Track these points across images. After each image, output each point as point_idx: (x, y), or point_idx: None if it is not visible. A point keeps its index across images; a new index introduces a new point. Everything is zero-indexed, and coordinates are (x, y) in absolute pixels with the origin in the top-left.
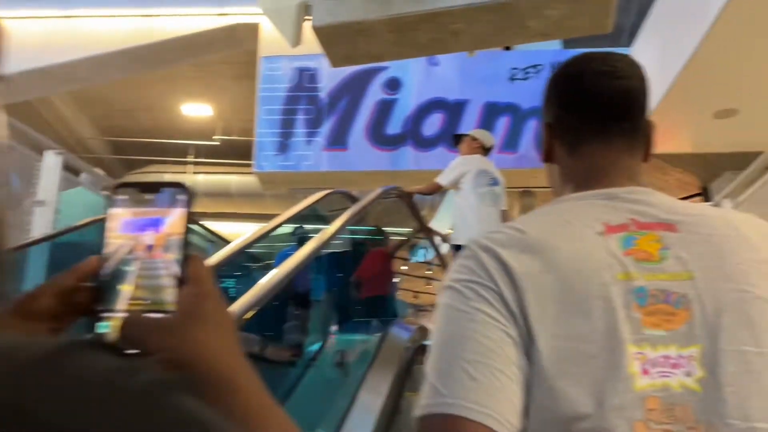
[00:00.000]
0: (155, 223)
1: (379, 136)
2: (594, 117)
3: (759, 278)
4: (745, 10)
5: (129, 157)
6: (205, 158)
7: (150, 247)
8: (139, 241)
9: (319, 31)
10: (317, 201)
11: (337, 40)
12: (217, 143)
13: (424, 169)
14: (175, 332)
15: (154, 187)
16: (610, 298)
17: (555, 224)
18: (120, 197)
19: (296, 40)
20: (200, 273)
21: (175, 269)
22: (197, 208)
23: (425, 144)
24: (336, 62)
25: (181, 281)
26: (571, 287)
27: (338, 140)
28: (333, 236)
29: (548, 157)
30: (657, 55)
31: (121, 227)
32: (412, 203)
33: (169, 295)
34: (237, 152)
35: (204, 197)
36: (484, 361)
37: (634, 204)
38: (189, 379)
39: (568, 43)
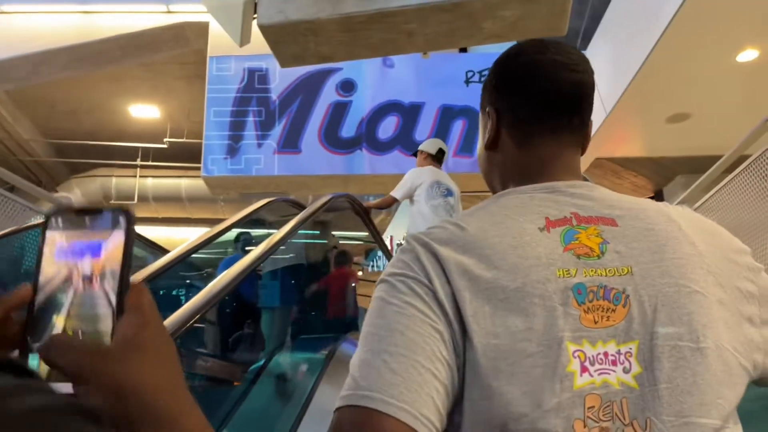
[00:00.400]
0: (93, 249)
1: (333, 139)
2: (549, 110)
3: (696, 273)
4: (697, 17)
5: (73, 160)
6: (154, 162)
7: (87, 275)
8: (75, 267)
9: (266, 29)
10: (260, 209)
11: (286, 40)
12: (166, 146)
13: (379, 173)
14: (111, 360)
15: (93, 211)
16: (548, 295)
17: (495, 220)
18: (56, 220)
19: (244, 39)
20: (140, 301)
21: (113, 298)
22: (148, 213)
23: (380, 147)
24: (285, 62)
25: (120, 310)
26: (509, 285)
27: (290, 143)
28: (278, 244)
29: (493, 145)
30: (611, 59)
31: (57, 253)
32: (366, 212)
33: (106, 325)
34: (187, 155)
35: (153, 202)
36: (408, 354)
37: (575, 198)
38: (91, 406)
39: None
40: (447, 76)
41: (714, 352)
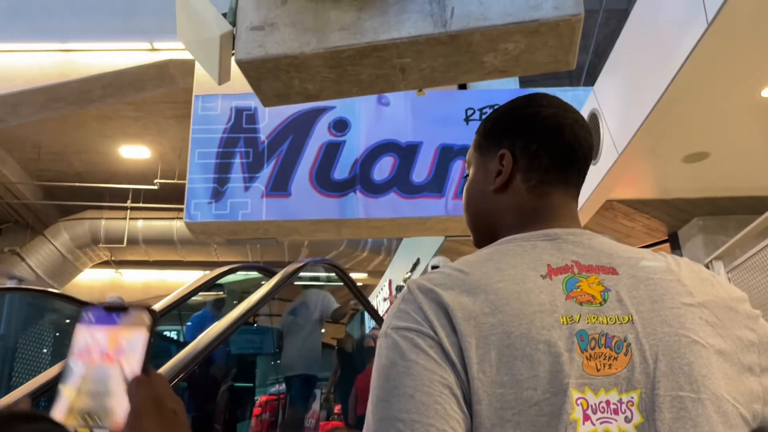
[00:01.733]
0: (119, 342)
1: (325, 182)
2: (567, 163)
3: (695, 323)
4: (718, 49)
5: (62, 202)
6: (145, 203)
7: (108, 362)
8: (98, 357)
9: (245, 65)
10: (223, 275)
11: (267, 76)
12: (156, 187)
13: (374, 217)
14: None
15: (121, 308)
16: (553, 342)
17: (498, 266)
18: (88, 315)
19: (223, 76)
20: (150, 393)
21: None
22: (138, 257)
23: (375, 190)
24: (267, 101)
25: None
26: (514, 331)
27: (279, 186)
28: (249, 312)
29: (504, 188)
30: (622, 96)
31: (85, 343)
32: (349, 278)
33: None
34: (179, 196)
35: (144, 244)
36: (421, 419)
37: (576, 246)
38: None
39: (525, 83)
40: (445, 114)
41: (714, 403)
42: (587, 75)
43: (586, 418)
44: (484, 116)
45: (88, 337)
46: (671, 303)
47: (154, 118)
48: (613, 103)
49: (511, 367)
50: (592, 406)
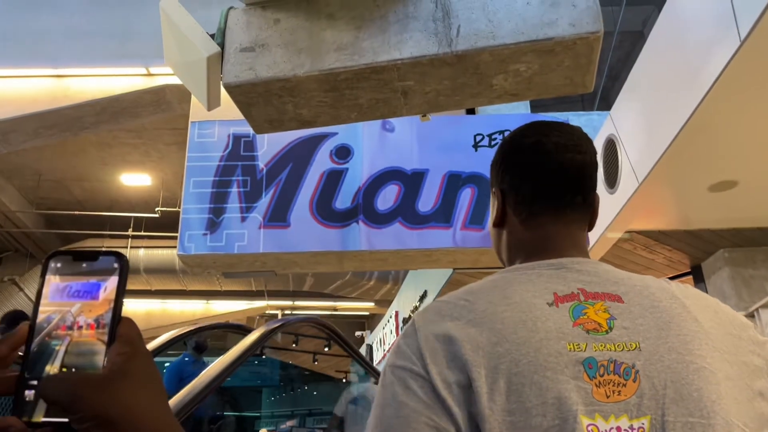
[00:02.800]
0: (90, 290)
1: (326, 211)
2: (551, 190)
3: (702, 349)
4: (750, 70)
5: (62, 231)
6: (147, 231)
7: (83, 315)
8: (71, 308)
9: (233, 90)
10: (193, 332)
11: (258, 101)
12: (158, 215)
13: (378, 249)
14: (103, 389)
15: (90, 255)
16: (561, 369)
17: (504, 294)
18: (55, 264)
19: (212, 101)
20: (129, 333)
21: (105, 333)
22: (139, 286)
23: (379, 220)
24: (259, 128)
25: (112, 340)
26: (521, 359)
27: (278, 216)
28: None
29: (500, 223)
30: (642, 122)
31: (55, 294)
32: (340, 336)
33: (99, 359)
34: None
35: (145, 273)
36: None
37: (581, 274)
38: None
39: (536, 107)
40: (453, 141)
41: (724, 428)
42: (601, 99)
43: None
44: (493, 142)
45: (58, 287)
46: (677, 330)
47: (155, 144)
48: (633, 128)
49: (519, 394)
50: None
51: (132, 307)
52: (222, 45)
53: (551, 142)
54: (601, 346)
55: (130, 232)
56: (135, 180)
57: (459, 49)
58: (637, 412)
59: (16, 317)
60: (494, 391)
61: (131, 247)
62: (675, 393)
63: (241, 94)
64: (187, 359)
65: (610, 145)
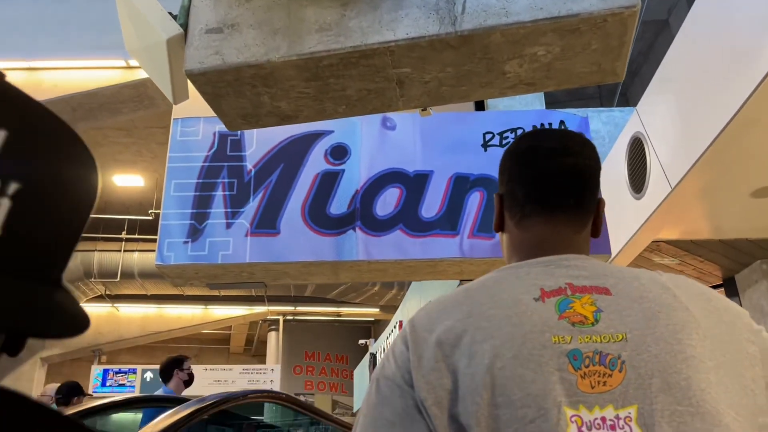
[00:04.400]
0: None
1: (319, 217)
2: (540, 193)
3: (692, 338)
4: None
5: None
6: (141, 234)
7: None
8: None
9: (197, 78)
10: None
11: (227, 92)
12: (152, 218)
13: (376, 259)
14: None
15: None
16: (545, 361)
17: (491, 292)
18: None
19: (177, 92)
20: None
21: None
22: (134, 290)
23: (378, 226)
24: (232, 123)
25: None
26: (505, 354)
27: (267, 222)
28: None
29: (499, 227)
30: (675, 119)
31: None
32: (303, 406)
33: None
34: None
35: (139, 278)
36: None
37: (569, 269)
38: None
39: (550, 104)
40: (460, 140)
41: (714, 417)
42: (620, 95)
43: None
44: (504, 142)
45: None
46: (666, 320)
47: (147, 144)
48: (664, 126)
49: (504, 388)
50: (587, 422)
51: (127, 311)
52: (185, 26)
53: (543, 147)
54: (587, 338)
55: (123, 235)
56: (127, 181)
57: (464, 29)
58: (623, 401)
59: (72, 389)
60: (480, 387)
61: (125, 251)
62: (662, 382)
63: (207, 83)
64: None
65: (637, 145)
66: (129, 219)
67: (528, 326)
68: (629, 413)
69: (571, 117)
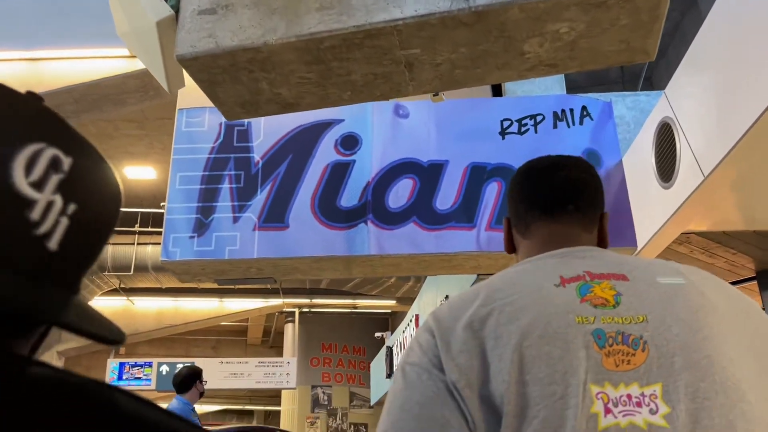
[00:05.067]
0: None
1: (330, 210)
2: (539, 203)
3: (708, 319)
4: None
5: None
6: (154, 228)
7: None
8: None
9: (189, 64)
10: None
11: (223, 79)
12: (164, 210)
13: (389, 253)
14: None
15: None
16: (570, 339)
17: (513, 280)
18: None
19: (174, 80)
20: None
21: None
22: (149, 284)
23: (391, 219)
24: (230, 113)
25: None
26: (532, 333)
27: (275, 216)
28: None
29: (510, 248)
30: (708, 102)
31: None
32: None
33: None
34: None
35: (154, 271)
36: None
37: (585, 260)
38: None
39: (570, 89)
40: (477, 127)
41: (737, 393)
42: (644, 79)
43: (608, 411)
44: (524, 129)
45: None
46: (684, 302)
47: (159, 136)
48: (696, 109)
49: (532, 366)
50: (612, 399)
51: (142, 305)
52: (177, 7)
53: (543, 165)
54: (609, 319)
55: (137, 228)
56: (139, 173)
57: (479, 4)
58: (648, 379)
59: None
60: (510, 367)
61: (138, 244)
62: (684, 360)
63: (201, 69)
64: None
65: (665, 131)
66: (142, 212)
67: (552, 308)
68: (654, 391)
69: (593, 102)
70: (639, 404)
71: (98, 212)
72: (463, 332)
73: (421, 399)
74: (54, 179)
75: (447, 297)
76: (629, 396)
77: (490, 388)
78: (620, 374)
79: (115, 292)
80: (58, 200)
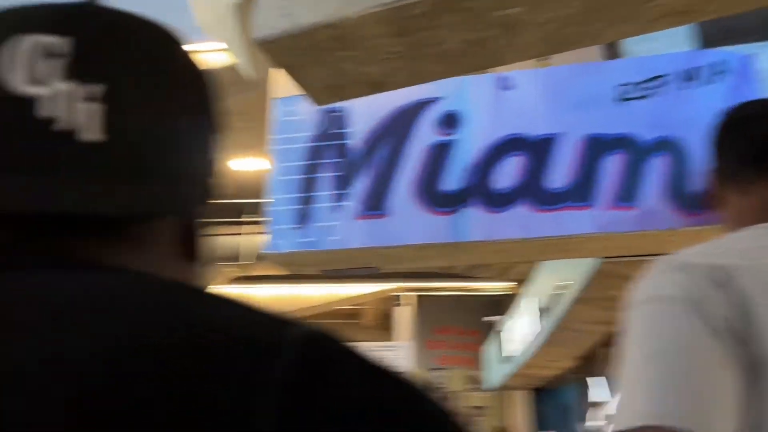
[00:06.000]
0: None
1: (431, 195)
2: (756, 157)
3: None
4: None
5: None
6: (263, 218)
7: None
8: None
9: (269, 47)
10: None
11: (305, 60)
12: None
13: (497, 239)
14: None
15: None
16: None
17: (759, 245)
18: None
19: (261, 65)
20: None
21: None
22: (263, 271)
23: (498, 202)
24: (319, 97)
25: None
26: None
27: (375, 204)
28: None
29: (713, 203)
30: None
31: None
32: None
33: None
34: None
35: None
36: (698, 376)
37: None
38: None
39: (709, 42)
40: (591, 94)
41: None
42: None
43: None
44: (646, 93)
45: None
46: None
47: (259, 127)
48: None
49: None
50: None
51: (258, 293)
52: None
53: (755, 114)
54: None
55: (258, 218)
56: (246, 165)
57: None
58: None
59: None
60: None
61: (255, 233)
62: None
63: (282, 52)
64: None
65: None
66: (256, 203)
67: None
68: None
69: (729, 56)
70: None
71: (151, 84)
72: (724, 280)
73: (676, 337)
74: (54, 65)
75: (564, 284)
76: None
77: (750, 349)
78: None
79: (235, 280)
80: (72, 87)
